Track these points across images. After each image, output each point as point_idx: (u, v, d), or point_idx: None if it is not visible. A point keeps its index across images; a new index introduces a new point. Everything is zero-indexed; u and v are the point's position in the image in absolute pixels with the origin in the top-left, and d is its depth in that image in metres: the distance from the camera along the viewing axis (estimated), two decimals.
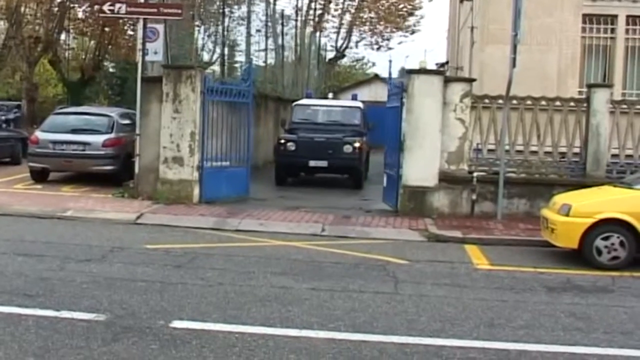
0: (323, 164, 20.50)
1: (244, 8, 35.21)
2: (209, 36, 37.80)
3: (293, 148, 20.66)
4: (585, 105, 16.23)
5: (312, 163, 20.49)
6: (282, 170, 21.31)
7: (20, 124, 27.72)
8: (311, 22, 41.85)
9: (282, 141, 21.07)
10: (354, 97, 26.03)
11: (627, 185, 12.78)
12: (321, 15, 42.96)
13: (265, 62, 32.50)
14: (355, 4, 43.78)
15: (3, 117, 25.48)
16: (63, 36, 38.61)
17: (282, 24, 34.63)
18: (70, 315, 7.78)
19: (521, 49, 15.52)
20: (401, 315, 8.38)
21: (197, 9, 31.35)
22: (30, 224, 13.65)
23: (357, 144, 20.53)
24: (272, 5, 33.31)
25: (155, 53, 18.45)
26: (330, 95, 28.63)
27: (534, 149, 16.30)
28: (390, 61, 19.46)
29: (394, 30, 45.19)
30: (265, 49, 32.57)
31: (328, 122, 22.34)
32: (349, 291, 9.42)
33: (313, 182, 21.66)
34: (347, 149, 20.42)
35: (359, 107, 23.09)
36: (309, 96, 25.99)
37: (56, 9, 34.43)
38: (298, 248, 12.37)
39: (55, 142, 18.52)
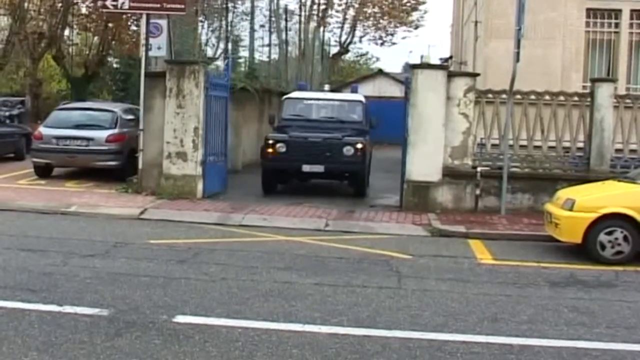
0: (319, 168, 17.39)
1: (248, 3, 35.21)
2: (212, 31, 37.78)
3: (283, 150, 17.38)
4: (589, 99, 16.20)
5: (305, 168, 17.38)
6: (270, 176, 18.10)
7: (24, 120, 27.74)
8: (315, 17, 41.84)
9: (270, 141, 17.64)
10: (354, 90, 22.67)
11: (631, 180, 12.75)
12: (325, 11, 42.92)
13: (269, 57, 32.51)
14: None
15: (7, 113, 25.54)
16: (67, 32, 38.60)
17: (286, 19, 34.62)
18: (74, 310, 7.80)
19: (525, 43, 15.50)
20: (404, 310, 8.38)
21: (200, 4, 31.31)
22: (34, 220, 13.68)
23: (359, 145, 17.40)
24: (275, 1, 33.31)
25: (159, 48, 18.51)
26: (327, 87, 23.56)
27: (537, 143, 16.27)
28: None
29: (398, 25, 45.15)
30: (269, 44, 32.58)
31: (324, 118, 19.23)
32: (352, 286, 9.42)
33: (308, 184, 19.40)
34: (348, 150, 17.29)
35: (360, 101, 19.70)
36: (302, 88, 22.04)
37: (60, 4, 34.44)
38: (301, 243, 12.38)
39: (58, 138, 18.51)
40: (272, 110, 26.63)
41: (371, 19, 44.65)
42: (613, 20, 20.49)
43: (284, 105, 19.67)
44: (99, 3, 18.60)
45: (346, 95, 21.58)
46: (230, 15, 34.43)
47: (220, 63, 31.01)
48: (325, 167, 17.38)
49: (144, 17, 17.30)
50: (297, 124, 18.55)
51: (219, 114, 17.55)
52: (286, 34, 34.14)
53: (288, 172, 18.30)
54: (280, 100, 21.55)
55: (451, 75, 16.33)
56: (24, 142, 23.14)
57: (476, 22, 23.43)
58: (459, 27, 34.09)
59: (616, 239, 11.52)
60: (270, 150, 17.53)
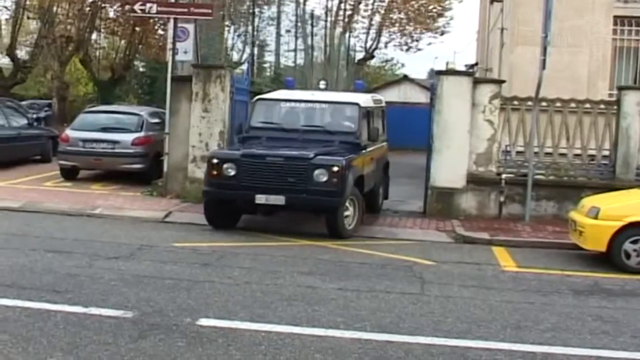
0: (278, 200, 12.77)
1: (274, 8, 35.47)
2: (238, 36, 38.04)
3: (231, 173, 13.03)
4: (615, 107, 16.09)
5: (260, 199, 12.83)
6: (214, 209, 13.72)
7: (51, 123, 28.01)
8: (341, 23, 41.84)
9: (214, 161, 13.30)
10: (359, 88, 17.05)
11: None
12: (351, 16, 42.86)
13: (294, 62, 32.64)
14: (385, 4, 43.71)
15: (34, 116, 25.76)
16: (94, 36, 38.99)
17: (312, 25, 34.75)
18: (99, 311, 7.87)
19: (551, 50, 15.42)
20: (427, 316, 8.38)
21: (227, 9, 31.52)
22: (60, 221, 13.78)
23: (335, 168, 12.69)
24: (302, 6, 33.46)
25: (185, 52, 18.58)
26: (322, 84, 17.40)
27: (563, 151, 16.18)
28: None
29: (424, 31, 45.03)
30: (295, 49, 32.77)
31: (308, 127, 14.47)
32: (375, 291, 9.43)
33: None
34: (320, 175, 12.68)
35: (355, 104, 14.53)
36: (288, 86, 16.64)
37: (88, 8, 34.74)
38: (325, 248, 12.37)
39: (85, 141, 18.66)
40: None
41: (397, 25, 44.53)
42: None
43: (255, 108, 15.04)
44: (128, 7, 18.76)
45: (337, 96, 15.96)
46: (256, 20, 34.66)
47: (246, 67, 31.25)
48: (287, 198, 12.78)
49: (171, 21, 17.40)
50: (268, 135, 14.28)
51: (241, 118, 17.60)
52: (312, 39, 34.23)
53: (237, 204, 13.68)
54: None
55: (477, 82, 16.28)
56: (51, 144, 23.29)
57: (502, 29, 23.39)
58: (485, 34, 34.02)
59: None
60: (214, 172, 13.23)
